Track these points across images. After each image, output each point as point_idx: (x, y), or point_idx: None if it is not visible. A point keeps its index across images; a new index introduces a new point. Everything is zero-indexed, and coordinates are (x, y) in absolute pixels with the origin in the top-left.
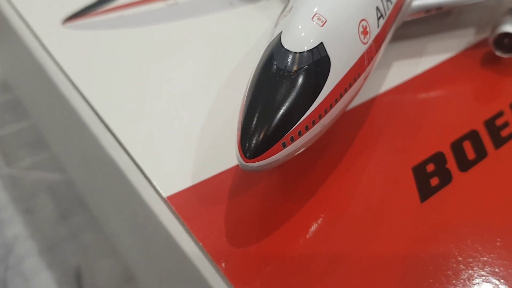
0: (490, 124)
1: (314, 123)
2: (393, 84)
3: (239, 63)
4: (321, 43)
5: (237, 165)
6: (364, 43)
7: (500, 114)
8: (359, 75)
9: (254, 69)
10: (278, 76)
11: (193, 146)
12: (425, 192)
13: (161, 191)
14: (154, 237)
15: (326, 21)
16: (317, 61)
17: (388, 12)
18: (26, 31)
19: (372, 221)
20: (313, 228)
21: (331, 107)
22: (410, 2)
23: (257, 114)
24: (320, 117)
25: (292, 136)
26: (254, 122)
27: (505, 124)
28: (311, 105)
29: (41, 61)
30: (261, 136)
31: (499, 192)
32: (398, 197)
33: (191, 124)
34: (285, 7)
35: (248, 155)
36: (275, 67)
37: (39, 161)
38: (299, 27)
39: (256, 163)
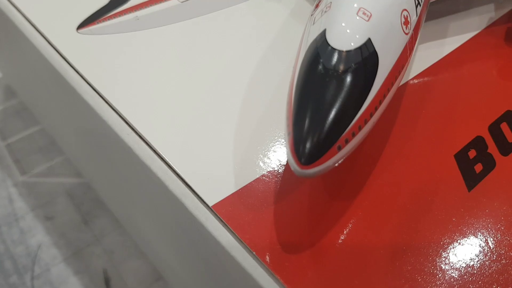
0: None
1: (366, 122)
2: (421, 68)
3: (261, 59)
4: (369, 38)
5: (278, 167)
6: (406, 34)
7: None
8: (403, 67)
9: (298, 69)
10: (327, 77)
11: (230, 150)
12: (471, 180)
13: (206, 200)
14: (199, 244)
15: (371, 15)
16: (366, 58)
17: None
18: (41, 40)
19: (422, 213)
20: (363, 225)
21: (380, 103)
22: None
23: (308, 118)
24: (371, 115)
25: (347, 138)
26: (306, 127)
27: None
28: (362, 104)
29: (60, 70)
30: (316, 140)
31: None
32: (445, 187)
33: (225, 127)
34: (319, 2)
35: (303, 161)
36: (322, 66)
37: (54, 166)
38: (344, 24)
39: (313, 169)
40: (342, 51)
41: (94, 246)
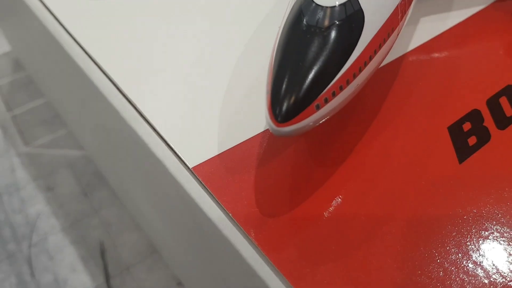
0: None
1: (348, 82)
2: (422, 41)
3: (259, 26)
4: None
5: (263, 132)
6: None
7: None
8: (393, 30)
9: (281, 27)
10: (308, 33)
11: (217, 114)
12: (463, 152)
13: (186, 162)
14: (181, 209)
15: None
16: (351, 15)
17: None
18: (37, 2)
19: (409, 184)
20: (346, 193)
21: (365, 64)
22: None
23: (287, 75)
24: (355, 76)
25: (326, 98)
26: (285, 84)
27: None
28: (345, 63)
29: (54, 33)
30: (293, 98)
31: None
32: (435, 158)
33: (214, 91)
34: None
35: (279, 119)
36: (305, 23)
37: (57, 138)
38: None
39: (289, 127)
40: (326, 7)
41: (92, 217)
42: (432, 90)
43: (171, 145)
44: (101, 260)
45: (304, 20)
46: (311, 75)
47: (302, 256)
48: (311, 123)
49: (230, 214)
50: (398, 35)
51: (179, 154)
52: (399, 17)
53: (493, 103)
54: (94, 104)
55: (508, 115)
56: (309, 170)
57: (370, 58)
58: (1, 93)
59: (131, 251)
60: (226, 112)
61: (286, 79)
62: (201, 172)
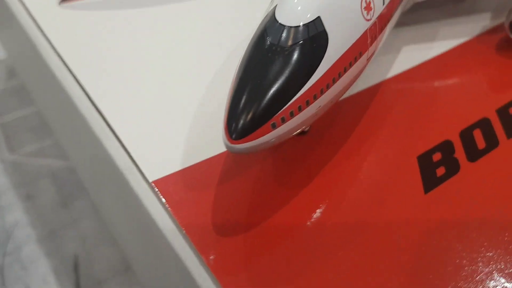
0: (503, 112)
1: (308, 103)
2: (401, 69)
3: (235, 49)
4: (318, 17)
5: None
6: (367, 20)
7: None
8: (360, 54)
9: (247, 46)
10: (270, 52)
11: (184, 130)
12: (430, 182)
13: (147, 175)
14: (143, 225)
15: None
16: (314, 36)
17: None
18: (22, 10)
19: (372, 211)
20: (305, 218)
21: (328, 87)
22: None
23: (245, 93)
24: (316, 98)
25: (283, 117)
26: (242, 101)
27: None
28: (305, 83)
29: (35, 40)
30: (249, 115)
31: (509, 184)
32: (401, 186)
33: (183, 108)
34: None
35: (234, 136)
36: (267, 42)
37: (43, 148)
38: (295, 0)
39: (242, 144)
40: (289, 27)
41: (69, 229)
42: (406, 119)
43: (134, 157)
44: (74, 273)
45: (267, 38)
46: (268, 93)
47: (252, 280)
48: (266, 142)
49: (184, 231)
50: (368, 59)
51: (140, 167)
52: (368, 42)
53: (466, 135)
54: (70, 113)
55: (480, 147)
56: (271, 191)
57: (334, 81)
58: None
59: (105, 266)
60: (194, 128)
61: (243, 97)
62: (161, 187)
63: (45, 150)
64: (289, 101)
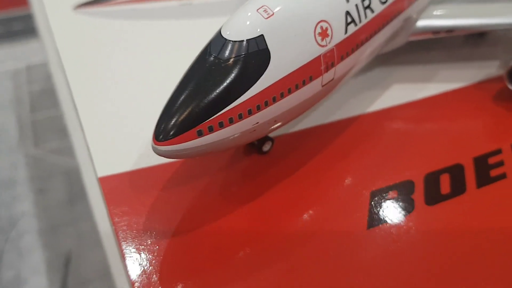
0: (481, 161)
1: (241, 117)
2: (384, 106)
3: None
4: (262, 35)
5: (186, 160)
6: (322, 46)
7: (497, 152)
8: (311, 79)
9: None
10: (208, 63)
11: (146, 135)
12: (374, 219)
13: (97, 170)
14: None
15: (272, 14)
16: (254, 52)
17: (364, 21)
18: (40, 13)
19: (309, 236)
20: (241, 234)
21: (266, 104)
22: (412, 21)
23: (178, 99)
24: (250, 113)
25: (211, 126)
26: (174, 107)
27: (499, 163)
28: (238, 97)
29: (45, 41)
30: (176, 120)
31: (458, 234)
32: (346, 218)
33: (149, 114)
34: None
35: (159, 137)
36: (208, 55)
37: (65, 147)
38: (242, 17)
39: (166, 147)
40: (230, 41)
41: (70, 226)
42: (374, 155)
43: (91, 151)
44: (64, 269)
45: (210, 51)
46: (199, 101)
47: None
48: (191, 148)
49: (114, 230)
50: (326, 86)
51: (94, 162)
52: (322, 67)
53: (431, 178)
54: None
55: (442, 192)
56: (212, 204)
57: (275, 99)
58: (31, 97)
59: (95, 267)
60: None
61: (176, 102)
62: (105, 183)
63: (66, 149)
64: (219, 111)
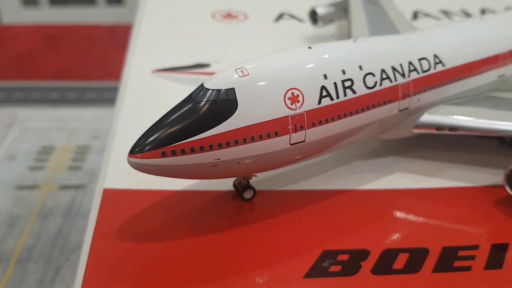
0: (450, 251)
1: (202, 149)
2: (382, 187)
3: None
4: (233, 88)
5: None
6: (291, 109)
7: (473, 247)
8: (276, 134)
9: None
10: (186, 103)
11: None
12: (316, 271)
13: (106, 181)
14: None
15: (247, 74)
16: (224, 100)
17: (342, 98)
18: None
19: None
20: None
21: (228, 145)
22: (414, 114)
23: (156, 125)
24: (211, 148)
25: (174, 150)
26: (150, 130)
27: (468, 257)
28: (202, 132)
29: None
30: (148, 139)
31: None
32: (287, 265)
33: None
34: None
35: (134, 150)
36: (189, 97)
37: None
38: (222, 73)
39: (134, 159)
40: (207, 89)
41: None
42: (345, 222)
43: (108, 161)
44: None
45: (191, 95)
46: (167, 127)
47: None
48: (155, 166)
49: (89, 245)
50: (293, 144)
51: (107, 172)
52: (290, 127)
53: (388, 253)
54: None
55: (394, 267)
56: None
57: (237, 142)
58: None
59: None
60: None
61: (153, 128)
62: (106, 196)
63: None
64: (182, 140)
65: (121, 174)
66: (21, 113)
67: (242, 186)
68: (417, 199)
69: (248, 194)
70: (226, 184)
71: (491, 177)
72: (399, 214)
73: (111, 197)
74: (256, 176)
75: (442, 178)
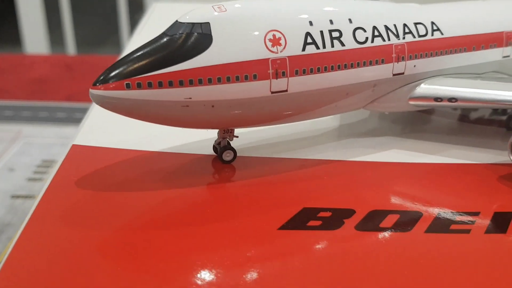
0: (447, 214)
1: (171, 84)
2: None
3: None
4: (208, 22)
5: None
6: (271, 51)
7: (473, 213)
8: (255, 77)
9: None
10: (158, 37)
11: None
12: (292, 224)
13: (76, 138)
14: None
15: (225, 10)
16: (197, 34)
17: (330, 48)
18: None
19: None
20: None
21: (200, 82)
22: (410, 83)
23: (123, 59)
24: (182, 84)
25: (139, 82)
26: (116, 63)
27: (467, 222)
28: (171, 65)
29: None
30: (112, 71)
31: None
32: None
33: None
34: None
35: (97, 82)
36: (162, 33)
37: None
38: (198, 9)
39: (96, 91)
40: (180, 22)
41: None
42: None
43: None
44: None
45: (165, 30)
46: (134, 58)
47: None
48: (118, 99)
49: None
50: (274, 92)
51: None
52: (271, 72)
53: (377, 213)
54: None
55: (381, 226)
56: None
57: (210, 81)
58: None
59: None
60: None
61: (119, 61)
62: (74, 152)
63: None
64: (149, 72)
65: (96, 133)
66: (26, 129)
67: (222, 147)
68: (414, 172)
69: (227, 156)
70: (205, 149)
71: (496, 156)
72: (392, 182)
73: (79, 153)
74: (237, 137)
75: (444, 156)
